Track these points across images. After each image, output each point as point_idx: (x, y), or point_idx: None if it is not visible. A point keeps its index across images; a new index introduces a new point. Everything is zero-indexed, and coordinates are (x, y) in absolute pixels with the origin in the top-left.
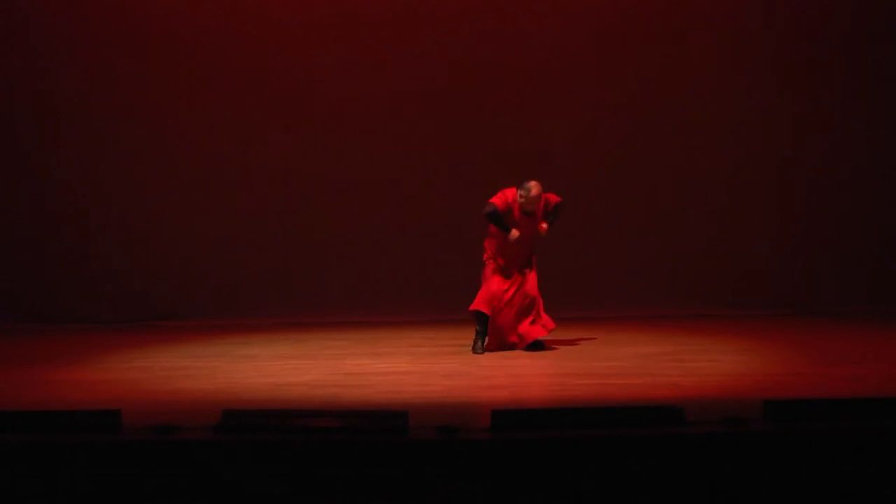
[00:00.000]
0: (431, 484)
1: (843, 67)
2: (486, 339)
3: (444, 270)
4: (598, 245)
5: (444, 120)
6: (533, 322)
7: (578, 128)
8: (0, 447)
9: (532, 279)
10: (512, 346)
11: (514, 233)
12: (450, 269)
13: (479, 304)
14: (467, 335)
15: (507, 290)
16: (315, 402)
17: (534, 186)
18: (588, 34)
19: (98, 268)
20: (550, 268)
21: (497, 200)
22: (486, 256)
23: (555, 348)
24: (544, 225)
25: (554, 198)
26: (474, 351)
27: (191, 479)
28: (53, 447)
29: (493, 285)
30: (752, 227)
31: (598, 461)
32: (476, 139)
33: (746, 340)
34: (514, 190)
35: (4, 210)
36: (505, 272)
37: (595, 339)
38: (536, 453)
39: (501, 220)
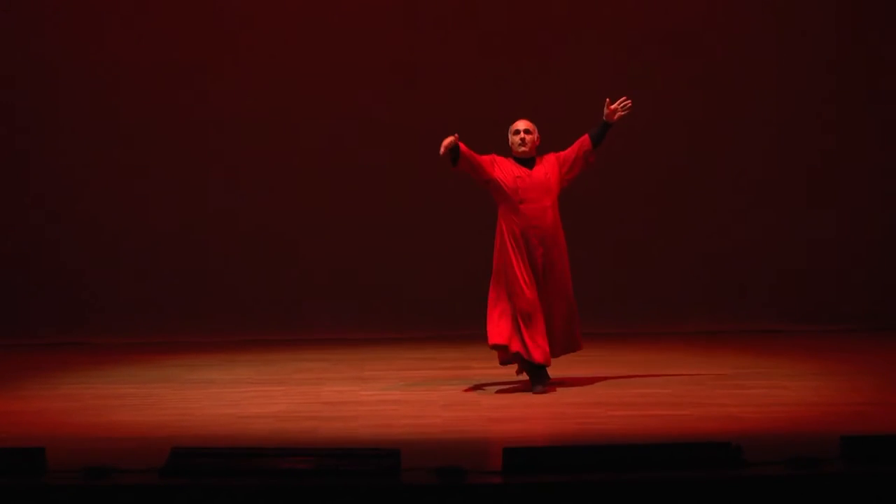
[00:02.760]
0: None
1: None
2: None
3: (443, 278)
4: (636, 250)
5: (440, 115)
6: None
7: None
8: None
9: (559, 277)
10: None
11: (446, 141)
12: (450, 276)
13: (493, 334)
14: (472, 355)
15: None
16: (286, 438)
17: (517, 122)
18: (599, 32)
19: (16, 275)
20: (581, 275)
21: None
22: (497, 241)
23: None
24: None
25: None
26: (534, 391)
27: None
28: None
29: (513, 282)
30: (812, 233)
31: None
32: (479, 135)
33: (814, 362)
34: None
35: None
36: (525, 259)
37: (632, 360)
38: (558, 501)
39: (458, 153)
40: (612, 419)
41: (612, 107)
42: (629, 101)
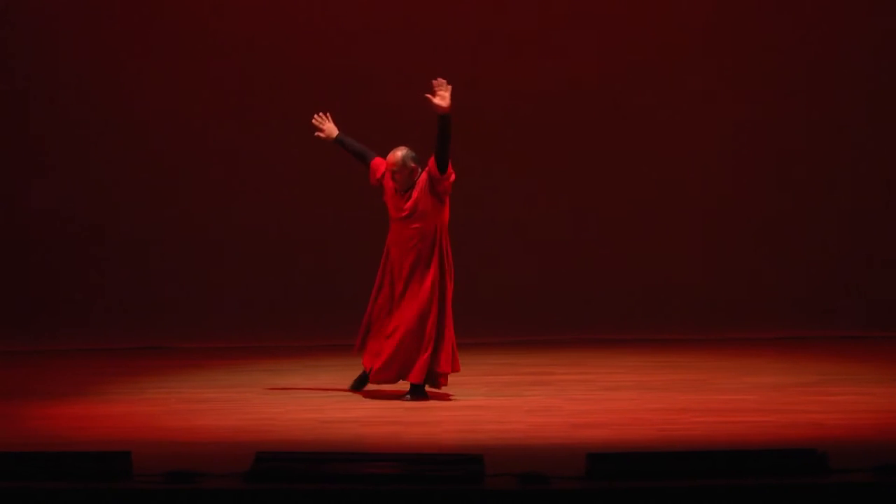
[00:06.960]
0: None
1: None
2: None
3: (528, 280)
4: (723, 256)
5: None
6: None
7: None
8: None
9: (411, 302)
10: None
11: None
12: (536, 278)
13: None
14: (555, 360)
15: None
16: (368, 443)
17: (395, 150)
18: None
19: (100, 283)
20: (669, 279)
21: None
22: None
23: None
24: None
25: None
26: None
27: None
28: (48, 496)
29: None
30: None
31: None
32: (523, 124)
33: None
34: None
35: None
36: (387, 278)
37: (717, 365)
38: None
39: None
40: (696, 425)
41: (429, 95)
42: (440, 80)
